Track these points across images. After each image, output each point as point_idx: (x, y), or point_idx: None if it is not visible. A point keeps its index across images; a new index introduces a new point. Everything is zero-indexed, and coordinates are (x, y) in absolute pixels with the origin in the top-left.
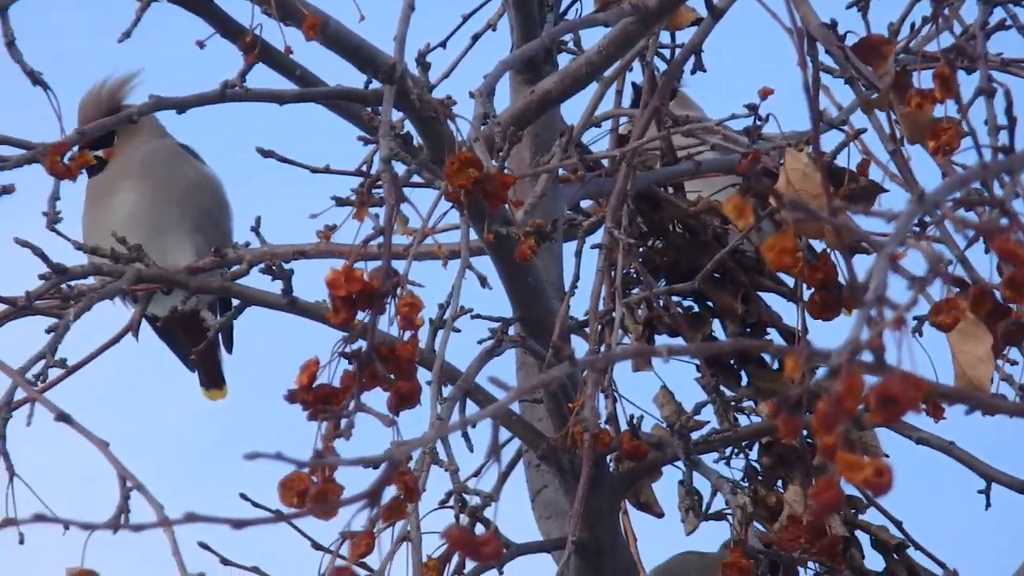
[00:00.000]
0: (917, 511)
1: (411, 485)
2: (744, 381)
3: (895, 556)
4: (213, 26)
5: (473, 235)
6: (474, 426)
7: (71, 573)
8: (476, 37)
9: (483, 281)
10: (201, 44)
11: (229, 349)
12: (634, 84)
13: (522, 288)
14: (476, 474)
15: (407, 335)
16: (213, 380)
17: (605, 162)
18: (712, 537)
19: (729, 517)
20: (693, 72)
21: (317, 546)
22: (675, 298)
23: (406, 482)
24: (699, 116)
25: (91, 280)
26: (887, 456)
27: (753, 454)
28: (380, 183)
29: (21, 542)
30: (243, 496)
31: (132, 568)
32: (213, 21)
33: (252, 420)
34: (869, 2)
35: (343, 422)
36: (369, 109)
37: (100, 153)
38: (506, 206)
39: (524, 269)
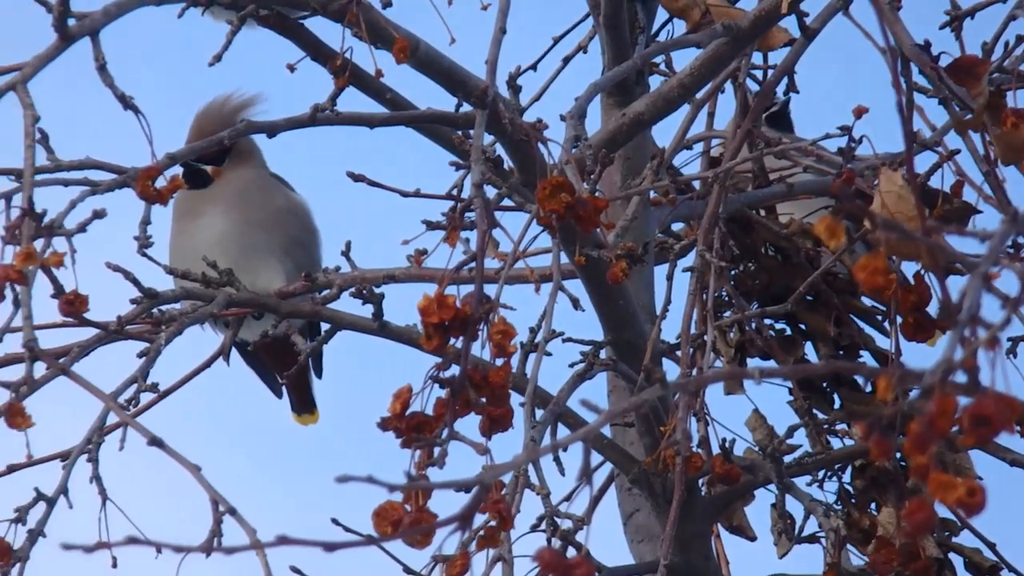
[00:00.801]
0: (1011, 533)
1: (504, 513)
2: (837, 404)
3: None
4: (304, 50)
5: (564, 258)
6: (566, 449)
7: None
8: (567, 59)
9: (575, 304)
10: (291, 68)
11: (319, 374)
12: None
13: (614, 311)
14: (568, 498)
15: (500, 361)
16: (305, 405)
17: (697, 184)
18: (805, 560)
19: (822, 540)
20: (786, 93)
21: (409, 570)
22: (767, 321)
23: (500, 511)
24: (793, 137)
25: (182, 304)
26: (980, 478)
27: (846, 477)
28: (472, 207)
29: (114, 566)
30: (334, 521)
31: None
32: (304, 45)
33: (343, 445)
34: (963, 22)
35: (436, 450)
36: (460, 132)
37: (208, 169)
38: (598, 229)
39: (616, 292)
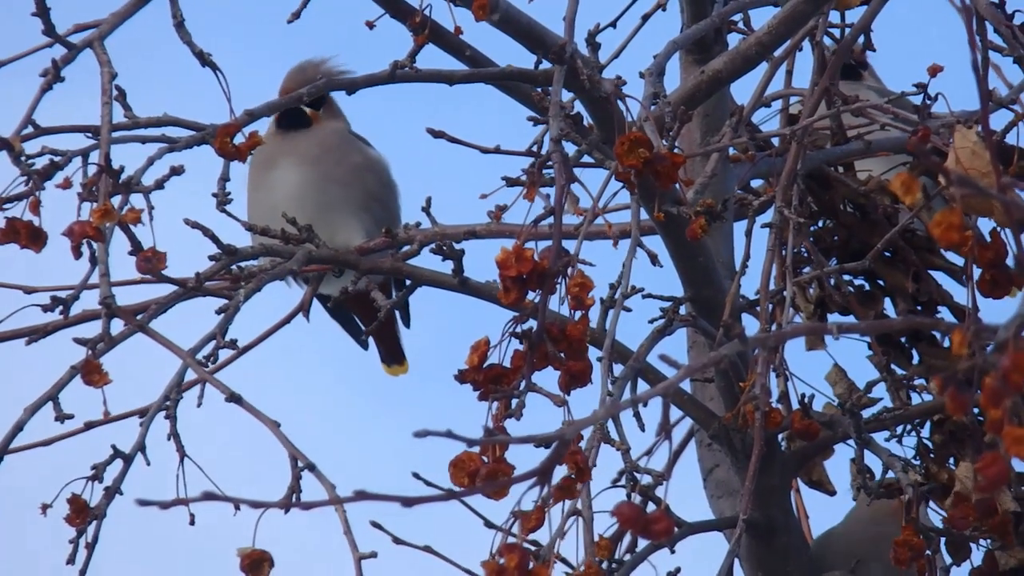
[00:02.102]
0: None
1: (582, 465)
2: (915, 359)
3: None
4: (383, 7)
5: (644, 215)
6: (645, 405)
7: (243, 553)
8: (646, 17)
9: (654, 260)
10: (371, 25)
11: (407, 324)
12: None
13: (693, 267)
14: (648, 453)
15: (578, 315)
16: (394, 356)
17: (775, 141)
18: None
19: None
20: (863, 51)
21: (489, 524)
22: (846, 277)
23: (577, 462)
24: (878, 87)
25: (261, 261)
26: None
27: (925, 432)
28: (551, 163)
29: (192, 523)
30: (415, 475)
31: (303, 548)
32: (383, 2)
33: (423, 400)
34: None
35: (514, 402)
36: (539, 89)
37: (308, 112)
38: (677, 186)
39: (695, 248)
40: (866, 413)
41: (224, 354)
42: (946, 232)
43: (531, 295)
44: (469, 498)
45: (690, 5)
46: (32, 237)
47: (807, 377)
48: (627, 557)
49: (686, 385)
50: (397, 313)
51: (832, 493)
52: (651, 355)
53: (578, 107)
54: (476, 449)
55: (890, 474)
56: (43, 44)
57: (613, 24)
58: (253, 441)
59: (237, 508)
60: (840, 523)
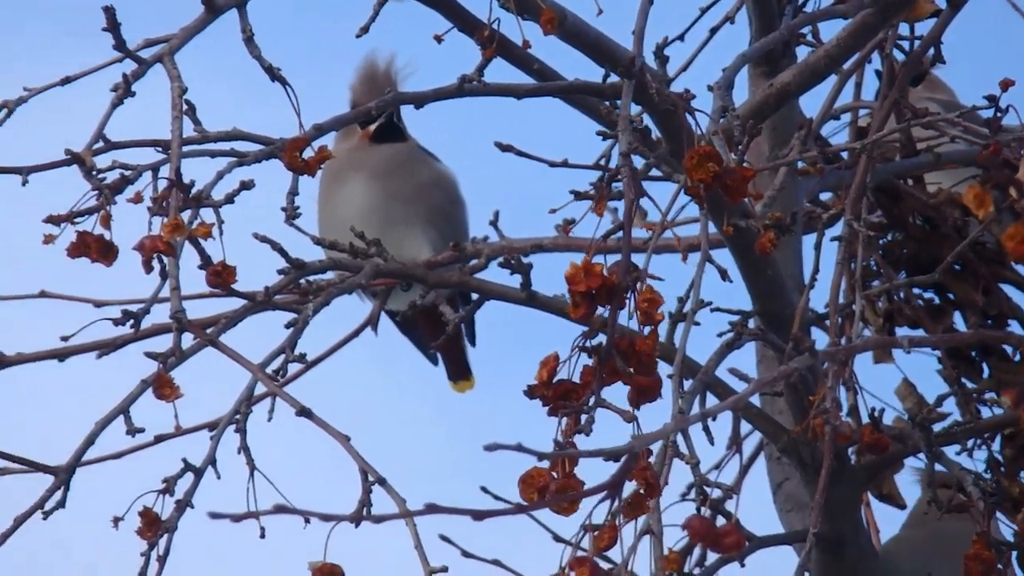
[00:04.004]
0: None
1: (652, 480)
2: (986, 372)
3: None
4: (451, 21)
5: (712, 228)
6: (715, 419)
7: (314, 567)
8: (714, 30)
9: (723, 274)
10: (439, 39)
11: (473, 342)
12: (877, 72)
13: (762, 281)
14: (717, 467)
15: (647, 330)
16: (460, 372)
17: (844, 154)
18: None
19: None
20: (933, 64)
21: (558, 539)
22: (916, 290)
23: (647, 477)
24: (948, 100)
25: (330, 275)
26: None
27: (996, 445)
28: (619, 177)
29: (263, 536)
30: (483, 489)
31: (374, 562)
32: (451, 16)
33: (491, 414)
34: None
35: (583, 418)
36: (607, 103)
37: (402, 127)
38: (745, 199)
39: (764, 262)
40: (936, 427)
41: (293, 368)
42: (1018, 245)
43: (600, 310)
44: (538, 512)
45: (758, 18)
46: (103, 251)
47: (876, 391)
48: (697, 571)
49: (755, 399)
50: (463, 329)
51: (902, 506)
52: (720, 369)
53: (646, 120)
54: (546, 464)
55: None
56: (114, 59)
57: (681, 37)
58: (323, 455)
59: (307, 521)
60: (903, 534)
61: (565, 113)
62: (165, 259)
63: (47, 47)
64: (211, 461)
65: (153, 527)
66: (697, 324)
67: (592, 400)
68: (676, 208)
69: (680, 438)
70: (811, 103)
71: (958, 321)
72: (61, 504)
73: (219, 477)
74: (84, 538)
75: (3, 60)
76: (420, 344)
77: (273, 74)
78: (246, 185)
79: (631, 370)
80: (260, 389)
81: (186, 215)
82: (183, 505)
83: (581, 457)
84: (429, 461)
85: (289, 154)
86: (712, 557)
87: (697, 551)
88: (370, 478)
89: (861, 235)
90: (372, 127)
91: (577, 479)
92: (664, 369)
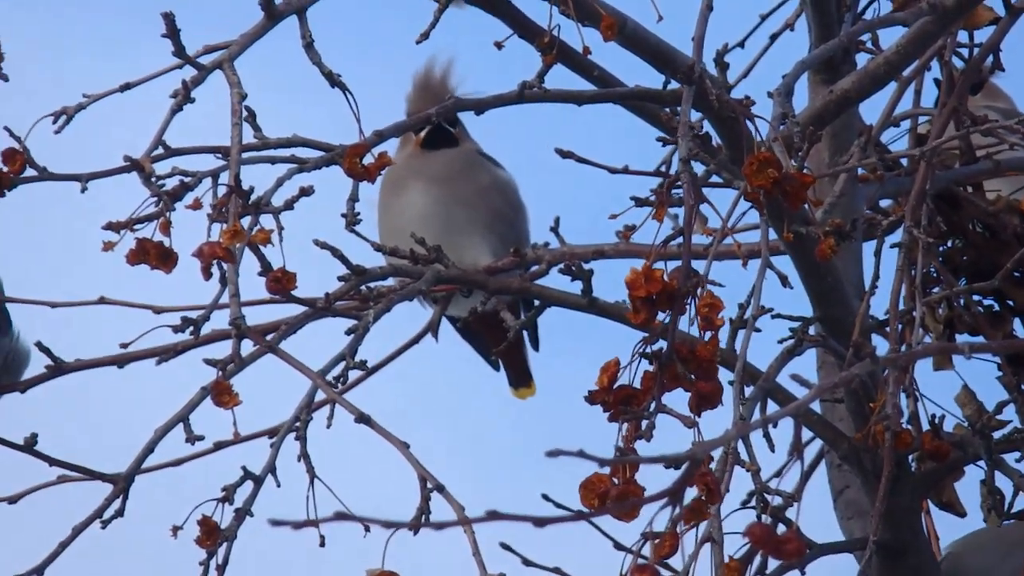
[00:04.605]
0: None
1: (712, 486)
2: None
3: None
4: (511, 27)
5: (772, 235)
6: (775, 425)
7: (373, 574)
8: (774, 37)
9: (784, 280)
10: (499, 45)
11: (536, 347)
12: (936, 80)
13: (822, 287)
14: (778, 474)
15: (707, 335)
16: (522, 378)
17: (904, 161)
18: None
19: None
20: (992, 71)
21: (619, 546)
22: (975, 297)
23: (707, 483)
24: (1007, 108)
25: (390, 281)
26: None
27: None
28: (679, 183)
29: (323, 544)
30: (545, 496)
31: (433, 569)
32: (511, 22)
33: (553, 420)
34: None
35: (644, 423)
36: (667, 109)
37: (454, 131)
38: (805, 206)
39: (824, 268)
40: (996, 434)
41: (353, 375)
42: None
43: (660, 315)
44: (599, 519)
45: (818, 25)
46: (162, 258)
47: (936, 398)
48: None
49: (816, 406)
50: (525, 335)
51: (963, 515)
52: (781, 375)
53: (706, 127)
54: (606, 471)
55: (1021, 495)
56: (173, 65)
57: (741, 44)
58: (382, 462)
59: (367, 529)
60: (966, 542)
61: (625, 119)
62: (224, 265)
63: (112, 41)
64: (271, 469)
65: (212, 536)
66: (758, 331)
67: (653, 406)
68: (736, 214)
69: (741, 445)
70: (871, 110)
71: (1018, 327)
72: (120, 513)
73: (279, 485)
74: (143, 547)
75: (66, 55)
76: (481, 350)
77: (333, 80)
78: (306, 191)
79: (692, 376)
80: (320, 396)
81: (246, 221)
82: (243, 513)
83: (642, 463)
84: (489, 468)
85: (349, 160)
86: (773, 564)
87: (758, 558)
88: (429, 485)
89: (921, 242)
90: (422, 134)
91: (638, 485)
92: (725, 375)
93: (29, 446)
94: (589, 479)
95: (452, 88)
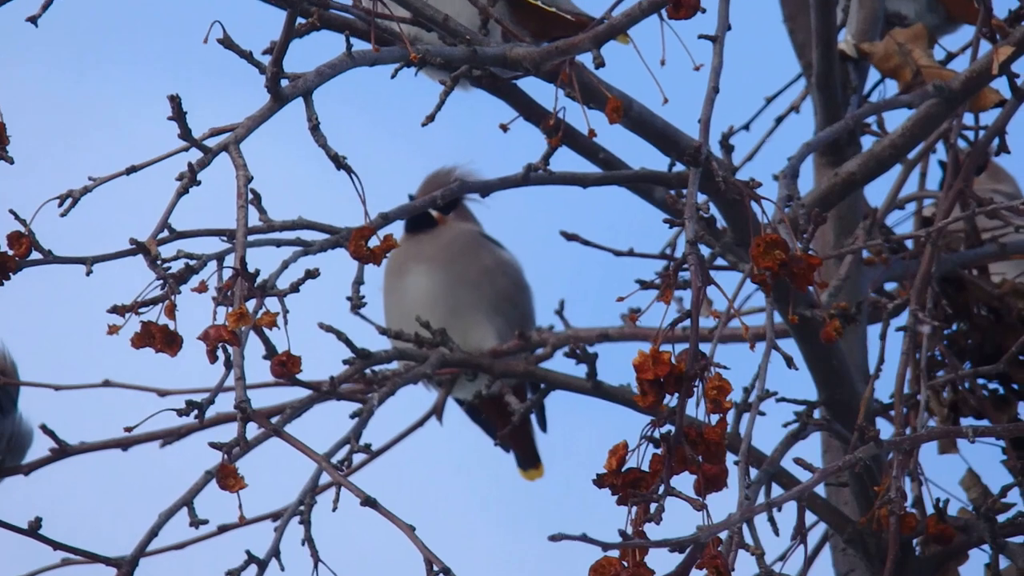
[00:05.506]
0: None
1: (723, 569)
2: None
3: None
4: (516, 109)
5: (778, 317)
6: (780, 509)
7: None
8: (780, 119)
9: (789, 362)
10: (505, 127)
11: (544, 428)
12: (941, 163)
13: (827, 370)
14: (782, 558)
15: (715, 418)
16: (529, 460)
17: (909, 244)
18: None
19: None
20: (997, 154)
21: None
22: (980, 380)
23: (717, 566)
24: (1010, 191)
25: (395, 365)
26: None
27: None
28: (686, 266)
29: None
30: None
31: None
32: (517, 105)
33: (559, 502)
34: None
35: (653, 506)
36: (673, 192)
37: (435, 215)
38: (811, 288)
39: (829, 351)
40: (1001, 518)
41: (358, 458)
42: None
43: (668, 398)
44: None
45: (824, 108)
46: (167, 341)
47: (941, 481)
48: None
49: (820, 489)
50: (534, 416)
51: None
52: (785, 459)
53: (712, 209)
54: (615, 554)
55: None
56: (179, 148)
57: (747, 126)
58: (388, 545)
59: None
60: None
61: (631, 201)
62: (230, 349)
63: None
64: (275, 553)
65: None
66: (762, 414)
67: (662, 489)
68: (742, 296)
69: (745, 528)
70: (876, 192)
71: (1022, 411)
72: None
73: (283, 569)
74: None
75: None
76: (489, 431)
77: (339, 163)
78: (311, 274)
79: (699, 458)
80: (325, 479)
81: (251, 304)
82: None
83: (647, 547)
84: (496, 550)
85: (355, 243)
86: None
87: None
88: (435, 568)
89: (926, 325)
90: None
91: (647, 568)
92: (730, 458)
93: (33, 530)
94: (599, 562)
95: (459, 171)
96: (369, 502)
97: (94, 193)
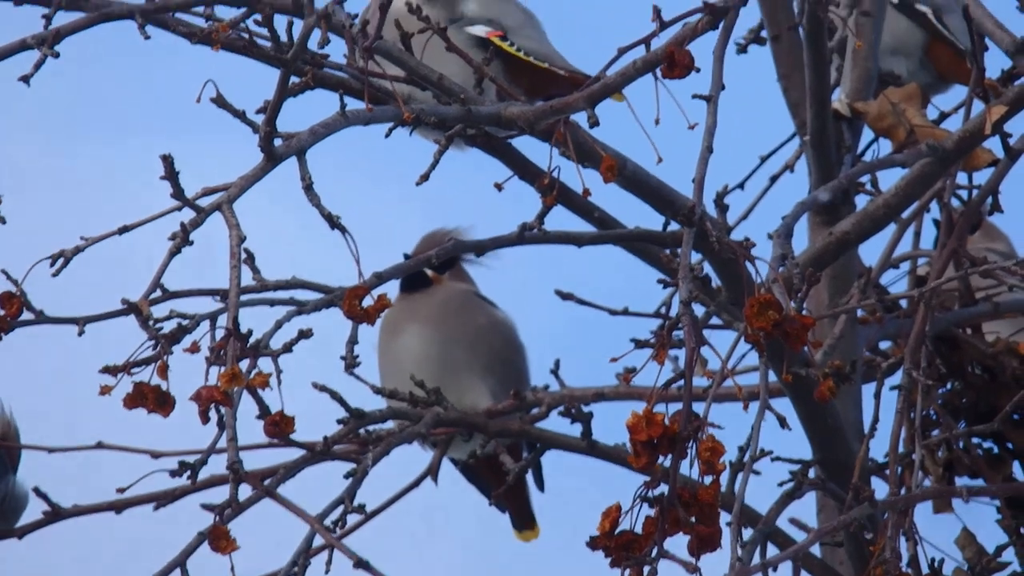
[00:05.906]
0: None
1: None
2: None
3: None
4: (511, 168)
5: (772, 377)
6: (775, 569)
7: None
8: (774, 178)
9: (782, 422)
10: (499, 187)
11: (541, 487)
12: (935, 222)
13: (821, 430)
14: None
15: (709, 479)
16: (525, 521)
17: (903, 303)
18: None
19: None
20: (991, 213)
21: None
22: (975, 439)
23: None
24: (1004, 249)
25: (389, 424)
26: None
27: None
28: (680, 325)
29: None
30: None
31: None
32: (511, 164)
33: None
34: None
35: (646, 569)
36: (667, 251)
37: (430, 274)
38: (805, 348)
39: (824, 410)
40: None
41: (352, 519)
42: None
43: (661, 459)
44: None
45: (818, 167)
46: (159, 402)
47: (936, 540)
48: None
49: (816, 549)
50: (530, 476)
51: None
52: (780, 519)
53: (706, 268)
54: None
55: None
56: (172, 208)
57: (741, 186)
58: None
59: None
60: None
61: (625, 260)
62: (222, 409)
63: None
64: None
65: None
66: (757, 473)
67: (655, 551)
68: (736, 356)
69: None
70: (870, 251)
71: (1017, 470)
72: None
73: None
74: None
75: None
76: (485, 491)
77: (333, 223)
78: (305, 334)
79: (693, 519)
80: (318, 541)
81: (244, 364)
82: None
83: None
84: None
85: (348, 303)
86: None
87: None
88: None
89: (920, 384)
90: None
91: None
92: (724, 518)
93: None
94: None
95: (455, 232)
96: (361, 564)
97: (86, 253)
